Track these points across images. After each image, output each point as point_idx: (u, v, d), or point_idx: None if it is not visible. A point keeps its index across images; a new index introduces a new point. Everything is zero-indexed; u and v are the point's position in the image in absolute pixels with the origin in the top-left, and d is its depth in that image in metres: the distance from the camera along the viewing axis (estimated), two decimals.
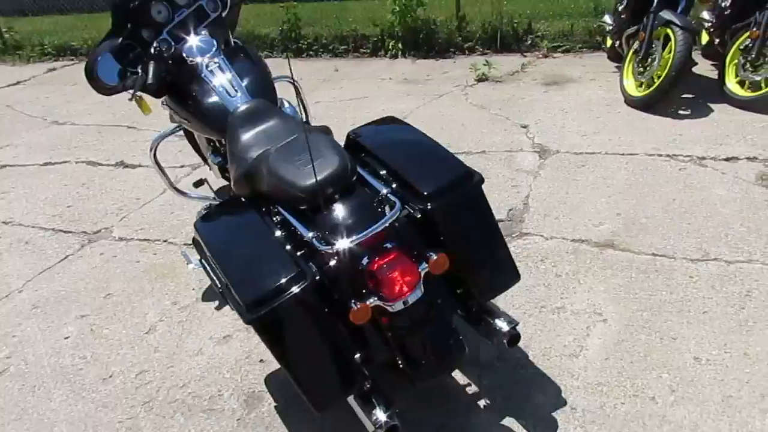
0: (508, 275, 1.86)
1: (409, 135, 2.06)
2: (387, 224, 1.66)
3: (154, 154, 2.72)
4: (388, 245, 1.66)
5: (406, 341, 1.69)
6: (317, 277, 1.63)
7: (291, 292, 1.56)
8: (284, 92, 2.69)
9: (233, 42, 2.72)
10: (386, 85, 5.10)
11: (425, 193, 1.75)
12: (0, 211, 3.59)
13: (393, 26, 5.84)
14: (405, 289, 1.60)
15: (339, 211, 1.71)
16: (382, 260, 1.62)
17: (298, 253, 1.70)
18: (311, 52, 6.24)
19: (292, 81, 2.91)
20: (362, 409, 1.67)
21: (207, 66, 2.37)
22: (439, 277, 1.74)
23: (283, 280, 1.58)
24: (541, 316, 2.32)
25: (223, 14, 2.56)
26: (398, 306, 1.62)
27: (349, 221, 1.68)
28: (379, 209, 1.73)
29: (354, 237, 1.63)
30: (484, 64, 4.97)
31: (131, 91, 2.33)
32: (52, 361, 2.35)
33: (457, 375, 2.07)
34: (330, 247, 1.63)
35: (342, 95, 4.95)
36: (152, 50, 2.33)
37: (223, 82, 2.33)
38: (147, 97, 2.41)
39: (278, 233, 1.76)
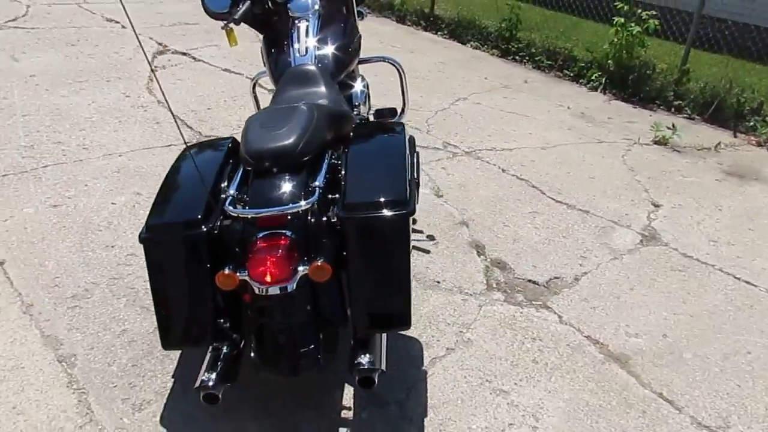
0: (395, 318, 1.74)
1: (391, 146, 1.99)
2: (289, 212, 1.66)
3: (253, 88, 2.97)
4: (285, 232, 1.66)
5: (258, 328, 1.70)
6: (215, 231, 1.70)
7: (182, 230, 1.66)
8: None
9: (357, 12, 2.83)
10: (558, 112, 4.80)
11: (346, 201, 1.71)
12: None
13: (606, 57, 5.41)
14: (268, 278, 1.60)
15: (265, 183, 1.75)
16: (265, 242, 1.63)
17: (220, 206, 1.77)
18: (517, 57, 6.07)
19: (395, 65, 2.94)
20: (205, 365, 1.73)
21: (297, 22, 2.50)
22: (331, 288, 1.70)
23: (184, 219, 1.69)
24: (470, 391, 2.12)
25: None
26: (259, 290, 1.63)
27: (265, 195, 1.72)
28: (298, 197, 1.72)
29: (256, 210, 1.66)
30: (669, 128, 4.40)
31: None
32: (92, 212, 2.78)
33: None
34: (234, 209, 1.68)
35: (505, 106, 4.78)
36: None
37: (301, 42, 2.46)
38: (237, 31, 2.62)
39: (222, 182, 1.85)
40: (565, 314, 2.54)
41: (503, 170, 3.71)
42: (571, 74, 5.71)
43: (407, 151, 1.94)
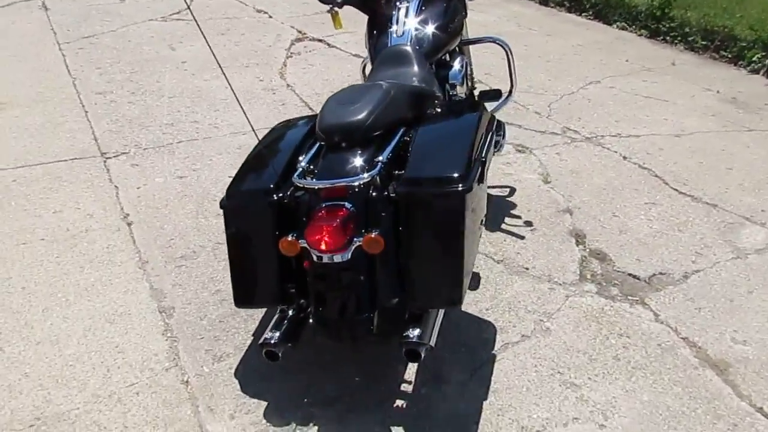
0: (444, 296, 1.75)
1: (461, 125, 1.98)
2: (348, 184, 1.73)
3: (363, 69, 3.10)
4: (345, 204, 1.74)
5: (316, 293, 1.79)
6: (285, 200, 1.82)
7: (255, 198, 1.82)
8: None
9: None
10: (704, 97, 4.36)
11: (405, 177, 1.74)
12: (293, 76, 4.49)
13: None
14: (323, 246, 1.68)
15: (334, 157, 1.84)
16: (324, 212, 1.72)
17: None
18: (668, 38, 5.58)
19: (503, 45, 2.90)
20: (271, 325, 1.87)
21: (398, 3, 2.57)
22: (386, 261, 1.75)
23: (257, 188, 1.83)
24: (538, 380, 2.05)
25: None
26: (317, 258, 1.73)
27: (331, 168, 1.80)
28: (361, 171, 1.78)
29: (321, 182, 1.76)
30: None
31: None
32: (211, 184, 3.07)
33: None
34: (300, 180, 1.78)
35: (643, 90, 4.44)
36: None
37: (399, 23, 2.53)
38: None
39: (300, 154, 1.96)
40: (663, 313, 2.35)
41: (624, 158, 3.47)
42: (729, 55, 5.13)
43: (477, 131, 1.92)
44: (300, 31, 5.43)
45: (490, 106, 3.27)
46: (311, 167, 1.85)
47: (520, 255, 2.65)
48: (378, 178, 1.78)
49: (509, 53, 2.98)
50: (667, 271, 2.57)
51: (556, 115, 3.98)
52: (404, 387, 2.01)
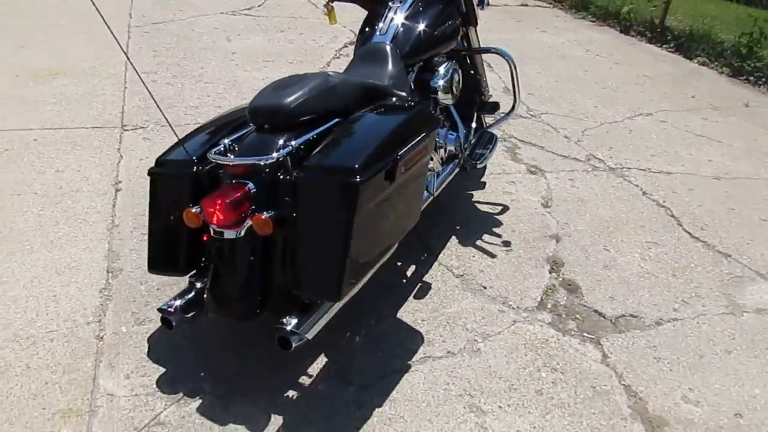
0: (322, 288, 1.72)
1: (386, 122, 1.95)
2: (250, 163, 1.76)
3: None
4: (248, 183, 1.77)
5: (211, 268, 1.82)
6: (202, 175, 1.87)
7: (174, 168, 1.89)
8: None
9: (478, 1, 2.81)
10: (766, 142, 4.00)
11: (305, 163, 1.75)
12: None
13: None
14: (215, 219, 1.72)
15: (254, 137, 1.88)
16: (224, 188, 1.76)
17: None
18: (751, 78, 5.18)
19: (506, 58, 2.85)
20: (180, 291, 1.92)
21: (391, 3, 2.59)
22: (277, 244, 1.76)
23: (180, 158, 1.90)
24: (444, 398, 1.96)
25: None
26: (213, 232, 1.76)
27: (245, 147, 1.84)
28: (269, 153, 1.79)
29: (227, 158, 1.80)
30: None
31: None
32: None
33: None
34: (213, 156, 1.83)
35: (698, 128, 4.14)
36: None
37: (387, 20, 2.55)
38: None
39: (232, 133, 1.99)
40: (615, 356, 2.17)
41: (644, 193, 3.25)
42: None
43: (397, 129, 1.89)
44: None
45: (491, 119, 3.21)
46: (234, 145, 1.89)
47: (483, 273, 2.55)
48: (289, 162, 1.79)
49: (513, 66, 2.89)
50: (639, 314, 2.38)
51: (587, 141, 3.80)
52: (303, 379, 1.99)
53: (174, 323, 1.86)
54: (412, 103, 2.18)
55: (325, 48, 5.09)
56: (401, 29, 2.52)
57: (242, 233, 1.74)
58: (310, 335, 1.74)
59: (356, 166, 1.69)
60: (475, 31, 3.04)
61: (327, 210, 1.71)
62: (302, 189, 1.72)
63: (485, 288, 2.47)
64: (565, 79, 4.86)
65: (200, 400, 1.88)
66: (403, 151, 1.86)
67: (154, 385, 1.91)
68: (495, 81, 4.44)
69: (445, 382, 2.01)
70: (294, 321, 1.72)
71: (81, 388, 1.87)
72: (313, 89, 1.93)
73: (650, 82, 4.98)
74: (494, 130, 3.10)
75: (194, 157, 1.88)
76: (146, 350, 2.03)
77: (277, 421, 1.84)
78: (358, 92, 2.09)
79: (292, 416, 1.86)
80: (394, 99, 2.20)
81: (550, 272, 2.59)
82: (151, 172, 1.95)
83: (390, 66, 2.41)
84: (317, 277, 1.72)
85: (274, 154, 1.76)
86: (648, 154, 3.70)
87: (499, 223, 2.89)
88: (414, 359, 2.10)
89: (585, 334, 2.27)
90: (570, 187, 3.28)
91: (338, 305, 1.84)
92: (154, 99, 2.03)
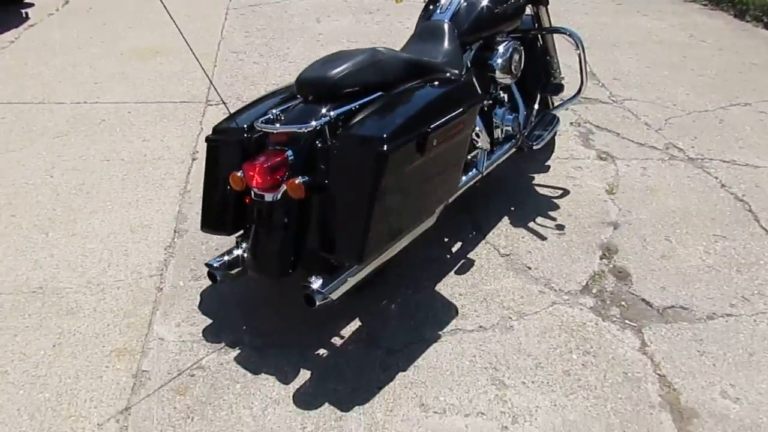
0: (344, 250, 1.82)
1: (422, 97, 2.00)
2: (289, 131, 1.89)
3: None
4: (287, 150, 1.91)
5: (252, 229, 1.98)
6: (250, 142, 2.02)
7: (226, 136, 2.07)
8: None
9: None
10: None
11: (340, 132, 1.85)
12: None
13: None
14: (253, 181, 1.87)
15: (299, 108, 2.02)
16: (265, 154, 1.91)
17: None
18: None
19: (573, 39, 2.83)
20: (227, 250, 2.10)
21: None
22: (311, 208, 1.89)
23: (234, 127, 2.07)
24: (468, 369, 2.01)
25: None
26: (254, 195, 1.92)
27: (291, 117, 1.98)
28: (309, 122, 1.91)
29: (269, 126, 1.94)
30: None
31: None
32: None
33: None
34: (259, 124, 1.98)
35: None
36: None
37: (446, 0, 2.59)
38: None
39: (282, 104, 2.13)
40: (655, 345, 2.12)
41: (723, 185, 3.08)
42: None
43: (432, 105, 1.95)
44: None
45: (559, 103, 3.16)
46: (281, 116, 2.02)
47: (530, 254, 2.55)
48: (327, 131, 1.90)
49: (581, 47, 2.84)
50: (690, 307, 2.30)
51: (669, 130, 3.63)
52: (335, 340, 2.11)
53: (219, 278, 2.04)
54: (457, 79, 2.21)
55: (410, 30, 5.16)
56: (461, 7, 2.56)
57: (279, 197, 1.88)
58: (334, 296, 1.86)
59: (384, 135, 1.77)
60: (546, 10, 3.01)
61: (355, 176, 1.81)
62: (333, 156, 1.83)
63: (530, 269, 2.47)
64: (658, 65, 4.64)
65: (239, 351, 2.05)
66: (437, 124, 1.91)
67: (200, 334, 2.11)
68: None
69: (472, 355, 2.06)
70: (320, 281, 1.84)
71: (137, 331, 2.10)
72: (358, 63, 2.03)
73: (756, 70, 4.64)
74: (559, 113, 3.06)
75: (245, 126, 2.03)
76: (198, 303, 2.24)
77: (304, 375, 1.97)
78: (404, 67, 2.16)
79: (320, 372, 1.98)
80: (440, 75, 2.25)
81: (601, 258, 2.55)
82: (207, 139, 2.13)
83: (445, 43, 2.46)
84: (342, 239, 1.83)
85: (313, 123, 1.88)
86: (736, 146, 3.48)
87: (555, 207, 2.86)
88: (445, 330, 2.16)
89: (627, 321, 2.23)
90: (640, 175, 3.17)
91: (366, 270, 1.94)
92: (209, 77, 2.21)
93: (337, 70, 1.99)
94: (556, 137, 3.43)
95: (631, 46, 5.01)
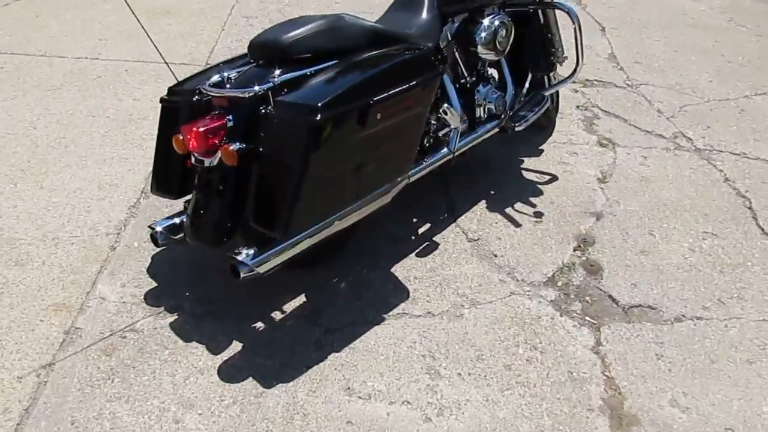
0: (271, 221, 1.74)
1: (369, 67, 1.89)
2: (229, 95, 1.82)
3: None
4: (228, 116, 1.83)
5: (193, 194, 1.92)
6: (197, 105, 1.95)
7: (178, 98, 2.00)
8: None
9: None
10: None
11: (277, 99, 1.77)
12: None
13: None
14: (190, 144, 1.80)
15: (247, 71, 1.93)
16: (204, 117, 1.84)
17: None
18: None
19: (569, 13, 2.66)
20: (173, 214, 2.06)
21: None
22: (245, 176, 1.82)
23: (184, 89, 2.01)
24: (405, 355, 1.92)
25: None
26: (194, 159, 1.85)
27: (237, 81, 1.90)
28: (253, 86, 1.83)
29: (211, 90, 1.86)
30: None
31: None
32: None
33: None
34: (205, 87, 1.90)
35: None
36: None
37: None
38: None
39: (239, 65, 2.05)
40: (610, 345, 1.99)
41: (726, 179, 2.87)
42: None
43: (376, 77, 1.85)
44: None
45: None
46: (231, 79, 1.95)
47: (500, 241, 2.43)
48: (271, 97, 1.81)
49: (576, 23, 2.66)
50: (659, 307, 2.15)
51: (682, 118, 3.41)
52: (276, 314, 2.05)
53: (160, 241, 2.00)
54: (416, 51, 2.08)
55: None
56: None
57: (215, 162, 1.81)
58: (262, 269, 1.79)
59: (319, 104, 1.68)
60: None
61: (287, 146, 1.73)
62: (268, 123, 1.75)
63: (495, 256, 2.35)
64: (686, 49, 4.36)
65: (176, 317, 2.02)
66: (382, 96, 1.80)
67: (142, 297, 2.08)
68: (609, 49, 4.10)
69: (412, 341, 1.98)
70: (249, 252, 1.77)
71: (80, 288, 2.09)
72: (314, 28, 1.93)
73: None
74: (562, 94, 2.89)
75: (196, 89, 1.96)
76: (147, 265, 2.21)
77: (236, 347, 1.93)
78: (365, 36, 2.05)
79: (252, 345, 1.93)
80: (403, 46, 2.12)
81: (574, 250, 2.40)
82: (161, 100, 2.07)
83: (421, 14, 2.33)
84: (270, 210, 1.75)
85: (255, 88, 1.80)
86: (751, 138, 3.24)
87: (539, 193, 2.72)
88: (390, 313, 2.08)
89: (587, 318, 2.10)
90: (639, 164, 2.98)
91: (300, 247, 1.86)
92: (152, 41, 2.12)
93: (291, 34, 1.90)
94: (557, 120, 3.26)
95: (662, 28, 4.72)
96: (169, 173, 2.05)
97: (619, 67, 4.00)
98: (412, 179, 2.22)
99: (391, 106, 1.83)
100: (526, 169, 2.89)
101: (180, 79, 2.07)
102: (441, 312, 2.09)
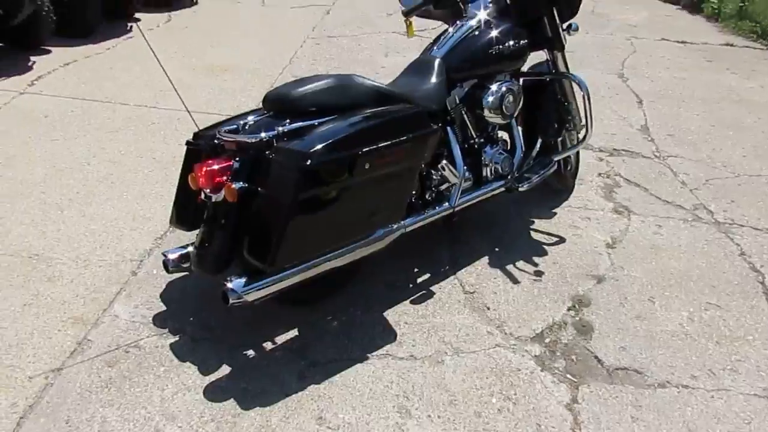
0: (259, 252, 1.90)
1: (361, 122, 2.05)
2: (238, 140, 2.04)
3: None
4: (235, 158, 2.05)
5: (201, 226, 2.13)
6: (212, 143, 2.18)
7: (200, 141, 2.25)
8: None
9: (567, 26, 2.81)
10: None
11: (277, 145, 1.98)
12: None
13: None
14: (199, 181, 2.02)
15: (258, 120, 2.16)
16: (214, 158, 2.06)
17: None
18: None
19: (580, 84, 2.81)
20: (186, 244, 2.27)
21: (458, 21, 2.72)
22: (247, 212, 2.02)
23: (206, 134, 2.25)
24: (379, 393, 2.01)
25: None
26: (204, 195, 2.07)
27: (248, 127, 2.13)
28: (260, 134, 2.04)
29: (225, 136, 2.09)
30: None
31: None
32: None
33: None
34: (220, 133, 2.13)
35: None
36: None
37: (448, 35, 2.70)
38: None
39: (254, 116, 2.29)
40: (585, 404, 2.02)
41: (743, 253, 2.86)
42: None
43: (363, 130, 2.03)
44: None
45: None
46: (245, 126, 2.18)
47: (495, 295, 2.51)
48: (275, 144, 2.02)
49: (585, 93, 2.79)
50: (644, 371, 2.16)
51: (706, 191, 3.41)
52: (267, 344, 2.20)
53: (170, 268, 2.21)
54: (412, 110, 2.25)
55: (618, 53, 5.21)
56: (456, 45, 2.62)
57: (220, 198, 2.02)
58: (250, 297, 1.95)
59: (310, 151, 1.87)
60: (563, 55, 2.97)
61: (280, 187, 1.92)
62: (268, 166, 1.96)
63: (488, 309, 2.43)
64: (724, 124, 4.36)
65: (177, 338, 2.19)
66: (371, 148, 1.98)
67: (151, 318, 2.28)
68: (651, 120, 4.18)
69: (390, 381, 2.07)
70: (240, 281, 1.95)
71: (98, 305, 2.31)
72: (323, 85, 2.15)
73: None
74: (559, 157, 2.99)
75: (215, 133, 2.21)
76: (161, 291, 2.41)
77: (224, 370, 2.08)
78: (368, 94, 2.25)
79: (239, 370, 2.08)
80: (403, 105, 2.30)
81: (568, 309, 2.45)
82: (186, 142, 2.32)
83: (429, 78, 2.52)
84: (260, 244, 1.93)
85: (262, 135, 2.02)
86: None
87: (543, 253, 2.79)
88: (374, 353, 2.18)
89: (567, 376, 2.13)
90: (652, 233, 3.00)
91: (289, 280, 2.02)
92: (178, 94, 2.39)
93: (301, 90, 2.12)
94: (576, 186, 3.35)
95: (702, 102, 4.75)
96: (185, 207, 2.28)
97: (649, 138, 4.05)
98: (408, 229, 2.36)
99: (380, 158, 2.00)
100: (535, 230, 2.97)
101: (202, 127, 2.31)
102: (423, 356, 2.18)
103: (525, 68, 2.92)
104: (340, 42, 5.82)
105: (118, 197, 3.03)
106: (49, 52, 5.00)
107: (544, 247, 2.84)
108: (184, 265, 2.23)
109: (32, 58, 4.79)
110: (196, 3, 6.92)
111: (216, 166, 2.00)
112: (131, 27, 5.76)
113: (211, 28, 6.01)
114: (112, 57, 5.00)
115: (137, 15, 6.16)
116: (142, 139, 3.65)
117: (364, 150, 1.96)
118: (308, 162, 1.85)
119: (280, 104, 2.14)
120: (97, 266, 2.52)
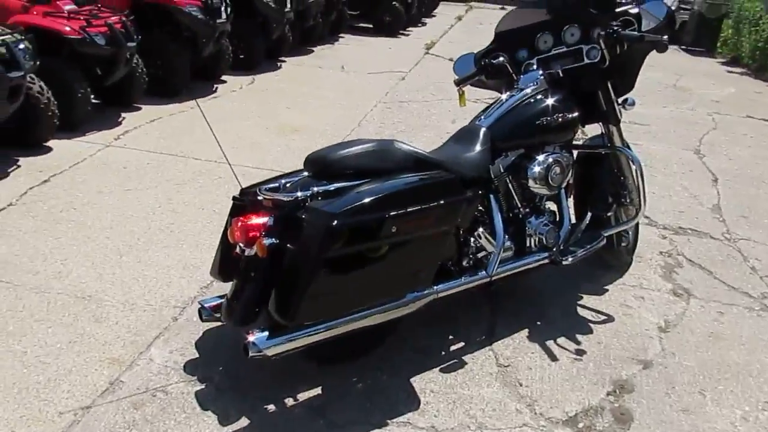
0: (282, 307, 1.93)
1: (391, 188, 2.09)
2: (272, 198, 2.14)
3: None
4: (271, 215, 2.15)
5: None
6: (255, 200, 2.29)
7: (245, 198, 2.37)
8: None
9: (623, 101, 2.81)
10: None
11: (308, 204, 2.05)
12: None
13: None
14: (234, 235, 2.12)
15: (297, 180, 2.26)
16: (252, 214, 2.16)
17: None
18: None
19: (630, 159, 2.79)
20: (222, 294, 2.36)
21: (510, 91, 2.76)
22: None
23: (251, 191, 2.37)
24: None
25: (601, 65, 2.71)
26: (239, 248, 2.16)
27: (287, 187, 2.22)
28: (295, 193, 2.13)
29: (266, 194, 2.19)
30: None
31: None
32: None
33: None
34: (261, 191, 2.24)
35: None
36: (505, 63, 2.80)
37: (497, 105, 2.74)
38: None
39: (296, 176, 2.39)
40: None
41: None
42: None
43: (393, 195, 2.07)
44: None
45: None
46: (286, 185, 2.27)
47: (530, 371, 2.42)
48: (308, 202, 2.10)
49: (638, 168, 2.74)
50: None
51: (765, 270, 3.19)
52: (289, 400, 2.21)
53: (204, 317, 2.30)
54: (447, 177, 2.27)
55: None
56: (504, 115, 2.65)
57: (253, 253, 2.10)
58: (270, 352, 1.99)
59: (337, 212, 1.93)
60: (618, 129, 2.92)
61: (307, 244, 1.97)
62: (299, 224, 2.02)
63: (521, 385, 2.35)
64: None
65: (204, 386, 2.25)
66: (399, 212, 2.01)
67: (182, 364, 2.35)
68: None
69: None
70: (262, 335, 1.99)
71: (136, 348, 2.41)
72: (362, 149, 2.24)
73: None
74: (608, 233, 2.89)
75: (257, 191, 2.31)
76: (197, 338, 2.50)
77: (242, 422, 2.10)
78: (408, 160, 2.30)
79: (257, 423, 2.10)
80: (440, 171, 2.32)
81: (608, 394, 2.32)
82: (233, 198, 2.45)
83: (473, 147, 2.55)
84: (284, 299, 1.98)
85: (297, 194, 2.10)
86: None
87: (588, 332, 2.68)
88: (395, 420, 2.14)
89: None
90: (712, 320, 2.82)
91: (311, 338, 2.04)
92: (222, 151, 2.53)
93: (339, 153, 2.21)
94: (633, 263, 3.22)
95: None
96: (225, 259, 2.37)
97: (721, 218, 3.87)
98: (441, 295, 2.35)
99: (407, 222, 2.03)
100: (583, 306, 2.87)
101: (244, 184, 2.42)
102: (445, 428, 2.12)
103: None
104: (410, 107, 5.99)
105: (175, 245, 3.19)
106: (139, 109, 5.43)
107: (590, 324, 2.73)
108: (216, 315, 2.31)
109: (123, 114, 5.22)
110: (280, 67, 7.36)
111: (250, 222, 2.09)
112: (216, 88, 6.18)
113: (289, 91, 6.35)
114: (194, 116, 5.37)
115: (224, 77, 6.61)
116: (206, 192, 3.85)
117: (391, 213, 1.99)
118: (334, 222, 1.91)
119: (319, 166, 2.23)
120: (142, 310, 2.65)
